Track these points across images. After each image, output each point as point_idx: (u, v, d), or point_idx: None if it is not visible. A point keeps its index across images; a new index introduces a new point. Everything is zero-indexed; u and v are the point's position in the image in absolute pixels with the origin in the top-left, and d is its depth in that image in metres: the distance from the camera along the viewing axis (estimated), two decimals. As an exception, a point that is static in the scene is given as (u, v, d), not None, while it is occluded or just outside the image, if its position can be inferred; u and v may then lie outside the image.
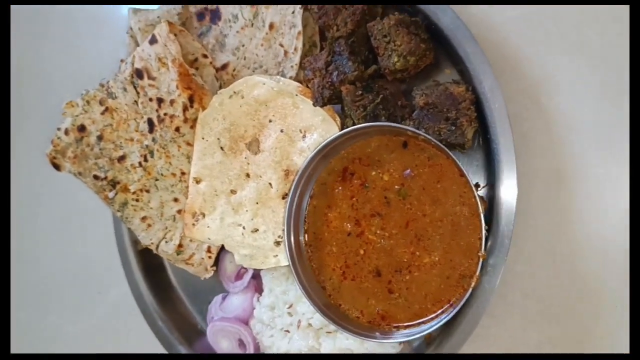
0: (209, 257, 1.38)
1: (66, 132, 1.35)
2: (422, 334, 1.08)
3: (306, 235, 1.23)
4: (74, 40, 1.66)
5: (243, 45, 1.33)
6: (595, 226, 1.12)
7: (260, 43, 1.31)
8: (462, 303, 1.04)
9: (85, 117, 1.34)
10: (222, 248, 1.38)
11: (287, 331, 1.30)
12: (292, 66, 1.30)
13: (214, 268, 1.39)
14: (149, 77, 1.29)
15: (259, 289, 1.39)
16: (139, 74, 1.29)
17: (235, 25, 1.33)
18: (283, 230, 1.25)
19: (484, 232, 1.02)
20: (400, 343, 1.22)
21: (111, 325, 1.66)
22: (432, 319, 1.10)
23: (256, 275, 1.39)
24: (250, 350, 1.37)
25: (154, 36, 1.27)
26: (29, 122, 1.69)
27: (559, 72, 1.11)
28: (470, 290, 1.04)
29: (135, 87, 1.31)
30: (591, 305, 1.14)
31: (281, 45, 1.30)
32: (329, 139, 1.17)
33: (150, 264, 1.50)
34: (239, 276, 1.41)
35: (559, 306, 1.16)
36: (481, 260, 1.03)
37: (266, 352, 1.36)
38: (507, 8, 1.17)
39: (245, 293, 1.39)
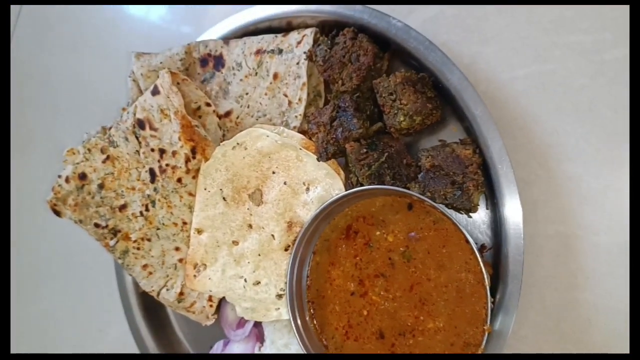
0: (210, 305, 1.37)
1: (67, 180, 1.34)
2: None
3: (309, 293, 1.21)
4: (77, 76, 1.65)
5: (247, 94, 1.31)
6: (599, 294, 1.11)
7: (264, 92, 1.30)
8: (466, 375, 1.03)
9: (87, 165, 1.33)
10: (224, 297, 1.37)
11: (288, 385, 1.29)
12: (296, 116, 1.28)
13: (215, 316, 1.38)
14: (151, 128, 1.27)
15: (260, 338, 1.38)
16: (140, 124, 1.28)
17: (239, 73, 1.31)
18: (285, 283, 1.24)
19: (489, 304, 1.00)
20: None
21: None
22: (436, 391, 1.08)
23: (258, 324, 1.38)
24: (251, 402, 1.35)
25: (156, 87, 1.26)
26: (30, 159, 1.69)
27: (568, 136, 1.09)
28: (475, 362, 1.02)
29: (137, 137, 1.29)
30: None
31: (285, 95, 1.28)
32: (332, 199, 1.16)
33: (151, 306, 1.49)
34: (240, 324, 1.39)
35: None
36: (487, 333, 1.01)
37: (267, 404, 1.34)
38: (516, 66, 1.15)
39: (247, 342, 1.38)
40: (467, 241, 1.05)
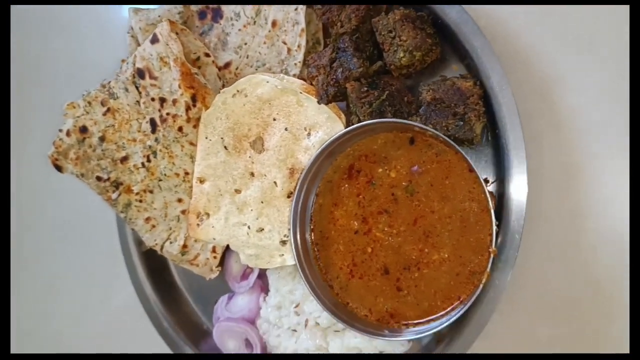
0: (214, 257, 1.37)
1: (68, 134, 1.34)
2: (431, 331, 1.07)
3: (312, 234, 1.21)
4: (75, 40, 1.65)
5: (245, 44, 1.32)
6: (604, 224, 1.11)
7: (263, 41, 1.30)
8: (472, 300, 1.03)
9: (87, 118, 1.33)
10: (227, 248, 1.36)
11: (295, 330, 1.29)
12: (295, 64, 1.29)
13: (219, 268, 1.38)
14: (151, 77, 1.28)
15: (265, 289, 1.38)
16: (140, 73, 1.28)
17: (238, 24, 1.31)
18: (289, 229, 1.24)
19: (494, 227, 1.01)
20: (409, 341, 1.21)
21: (116, 329, 1.65)
22: (442, 316, 1.09)
23: (262, 275, 1.38)
24: (257, 350, 1.36)
25: (155, 35, 1.26)
26: (29, 122, 1.69)
27: (570, 71, 1.10)
28: (481, 287, 1.02)
29: (137, 87, 1.29)
30: (591, 304, 1.14)
31: (284, 43, 1.28)
32: (334, 137, 1.16)
33: (155, 266, 1.49)
34: (244, 276, 1.40)
35: (565, 306, 1.16)
36: (492, 256, 1.02)
37: (273, 352, 1.34)
38: (518, 7, 1.15)
39: (251, 293, 1.38)
40: (470, 170, 1.06)
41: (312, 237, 1.22)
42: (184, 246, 1.37)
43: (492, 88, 1.07)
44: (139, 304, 1.52)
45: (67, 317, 1.67)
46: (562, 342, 1.15)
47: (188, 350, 1.42)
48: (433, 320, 1.09)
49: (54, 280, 1.72)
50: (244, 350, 1.38)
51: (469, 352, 1.12)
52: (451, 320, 1.05)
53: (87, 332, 1.65)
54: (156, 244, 1.38)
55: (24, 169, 1.69)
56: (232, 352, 1.39)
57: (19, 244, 1.70)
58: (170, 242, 1.37)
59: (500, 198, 1.09)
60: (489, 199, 1.02)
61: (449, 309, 1.08)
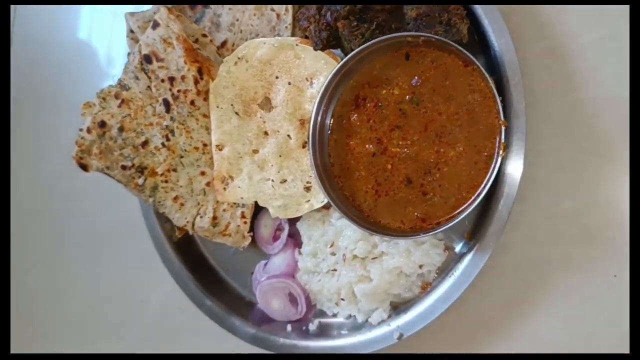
0: (244, 222, 1.42)
1: (88, 131, 1.42)
2: (463, 215, 1.13)
3: (333, 168, 1.28)
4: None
5: (237, 20, 1.42)
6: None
7: (253, 13, 1.40)
8: (495, 173, 1.09)
9: (104, 113, 1.42)
10: (255, 217, 1.43)
11: (334, 270, 1.34)
12: (286, 27, 1.39)
13: (251, 234, 1.43)
14: (157, 60, 1.37)
15: (297, 244, 1.43)
16: (147, 59, 1.38)
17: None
18: (310, 175, 1.31)
19: (499, 105, 1.09)
20: (445, 250, 1.26)
21: (157, 329, 1.67)
22: (470, 204, 1.14)
23: (292, 234, 1.43)
24: (302, 302, 1.39)
25: (155, 21, 1.36)
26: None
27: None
28: (500, 160, 1.09)
29: (146, 73, 1.39)
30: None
31: (273, 10, 1.39)
32: (332, 72, 1.24)
33: (188, 255, 1.55)
34: (275, 237, 1.45)
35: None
36: (503, 128, 1.09)
37: (317, 299, 1.38)
38: None
39: (285, 251, 1.43)
40: (466, 65, 1.15)
41: (333, 171, 1.28)
42: (214, 218, 1.43)
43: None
44: (175, 303, 1.57)
45: (110, 321, 1.70)
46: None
47: (235, 321, 1.45)
48: (463, 210, 1.15)
49: (90, 298, 1.75)
50: (289, 306, 1.41)
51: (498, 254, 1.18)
52: (480, 199, 1.11)
53: (132, 333, 1.67)
54: (187, 222, 1.44)
55: (46, 173, 1.76)
56: (278, 313, 1.42)
57: (44, 249, 1.76)
58: (201, 217, 1.43)
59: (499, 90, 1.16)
60: (489, 84, 1.10)
61: (475, 196, 1.14)
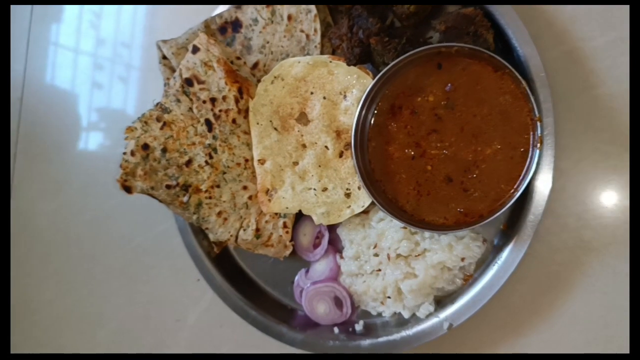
0: (286, 232, 1.49)
1: (132, 154, 1.47)
2: (506, 206, 1.23)
3: (374, 173, 1.37)
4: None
5: (268, 42, 1.52)
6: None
7: (283, 35, 1.50)
8: (535, 163, 1.20)
9: (146, 136, 1.48)
10: (293, 227, 1.50)
11: (379, 270, 1.41)
12: (315, 46, 1.49)
13: (293, 242, 1.50)
14: (199, 82, 1.45)
15: (337, 250, 1.50)
16: (188, 82, 1.45)
17: (257, 27, 1.52)
18: (348, 183, 1.40)
19: (532, 101, 1.20)
20: (484, 242, 1.35)
21: (196, 345, 1.72)
22: (511, 195, 1.25)
23: (331, 241, 1.51)
24: (348, 304, 1.47)
25: (195, 46, 1.45)
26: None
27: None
28: (538, 151, 1.20)
29: (187, 95, 1.46)
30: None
31: (302, 31, 1.49)
32: (370, 86, 1.34)
33: (227, 269, 1.60)
34: (315, 245, 1.52)
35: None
36: (539, 124, 1.21)
37: (362, 300, 1.45)
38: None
39: (327, 257, 1.51)
40: (495, 70, 1.27)
41: (375, 176, 1.37)
42: (257, 230, 1.49)
43: (492, 6, 1.30)
44: (211, 319, 1.63)
45: (148, 342, 1.73)
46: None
47: (282, 328, 1.50)
48: (504, 202, 1.25)
49: (129, 307, 1.79)
50: (334, 310, 1.48)
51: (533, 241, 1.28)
52: (521, 190, 1.22)
53: (172, 349, 1.71)
54: (231, 236, 1.50)
55: (76, 199, 1.81)
56: (324, 317, 1.49)
57: (80, 274, 1.82)
58: (244, 230, 1.50)
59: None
60: (520, 84, 1.22)
61: (515, 186, 1.24)
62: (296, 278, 1.55)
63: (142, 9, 1.79)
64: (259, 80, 1.50)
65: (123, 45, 1.82)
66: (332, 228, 1.50)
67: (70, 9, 1.90)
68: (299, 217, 1.51)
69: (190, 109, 1.47)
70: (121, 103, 1.83)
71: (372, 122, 1.38)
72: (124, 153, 1.48)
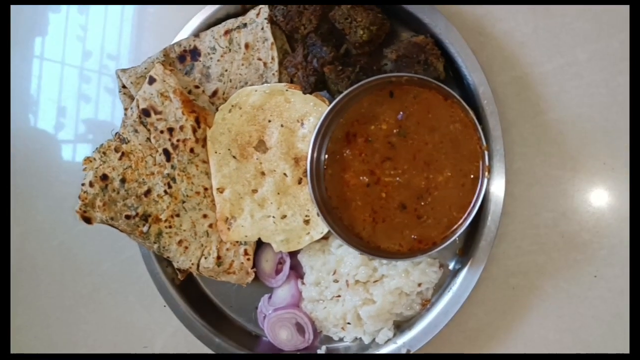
0: (248, 259, 1.50)
1: (91, 185, 1.48)
2: (457, 235, 1.24)
3: (331, 201, 1.38)
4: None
5: (226, 70, 1.52)
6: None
7: (241, 63, 1.51)
8: (483, 193, 1.22)
9: (105, 166, 1.48)
10: (255, 254, 1.51)
11: (339, 296, 1.42)
12: (273, 74, 1.50)
13: (254, 269, 1.50)
14: (156, 113, 1.46)
15: (299, 276, 1.51)
16: (145, 113, 1.46)
17: (215, 56, 1.52)
18: (308, 210, 1.41)
19: (480, 133, 1.22)
20: (440, 267, 1.37)
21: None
22: (462, 223, 1.26)
23: (293, 266, 1.52)
24: (309, 330, 1.47)
25: (151, 77, 1.45)
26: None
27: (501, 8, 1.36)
28: (487, 181, 1.22)
29: (145, 126, 1.47)
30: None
31: (259, 59, 1.50)
32: (324, 114, 1.36)
33: (192, 296, 1.61)
34: (277, 271, 1.53)
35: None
36: (486, 153, 1.22)
37: (323, 326, 1.46)
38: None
39: (289, 282, 1.51)
40: (445, 99, 1.29)
41: (332, 203, 1.38)
42: (218, 257, 1.50)
43: (442, 33, 1.32)
44: (180, 346, 1.63)
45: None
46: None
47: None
48: (456, 229, 1.27)
49: (95, 334, 1.79)
50: (296, 336, 1.49)
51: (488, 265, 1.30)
52: (471, 218, 1.23)
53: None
54: (192, 264, 1.51)
55: (39, 226, 1.81)
56: (286, 342, 1.50)
57: (42, 302, 1.81)
58: (205, 258, 1.50)
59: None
60: (469, 114, 1.23)
61: (465, 215, 1.26)
62: (259, 304, 1.55)
63: (128, 20, 1.79)
64: (217, 108, 1.51)
65: (109, 57, 1.80)
66: (293, 254, 1.50)
67: (55, 22, 1.88)
68: (261, 243, 1.51)
69: (149, 139, 1.47)
70: (108, 115, 1.81)
71: (327, 149, 1.39)
72: (83, 184, 1.48)
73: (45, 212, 1.85)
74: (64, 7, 1.84)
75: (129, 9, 1.77)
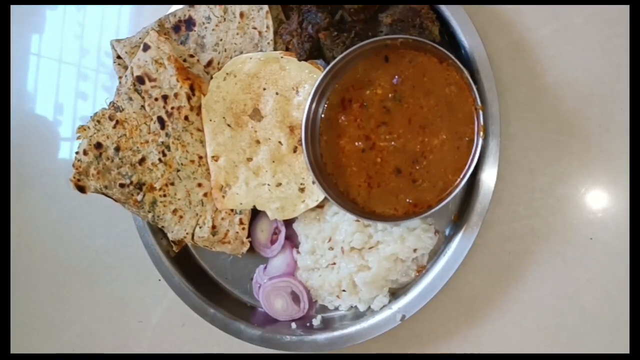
0: (243, 228, 1.49)
1: (85, 153, 1.47)
2: (451, 197, 1.24)
3: (327, 167, 1.37)
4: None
5: (221, 40, 1.51)
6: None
7: (236, 32, 1.50)
8: (477, 153, 1.21)
9: (99, 135, 1.47)
10: (251, 223, 1.50)
11: (334, 264, 1.42)
12: (268, 43, 1.49)
13: (250, 239, 1.50)
14: (150, 80, 1.45)
15: (294, 245, 1.51)
16: (140, 80, 1.45)
17: (210, 25, 1.52)
18: (303, 177, 1.40)
19: (475, 90, 1.21)
20: (436, 233, 1.36)
21: (159, 345, 1.71)
22: (457, 185, 1.25)
23: (288, 236, 1.51)
24: (305, 299, 1.47)
25: (145, 44, 1.44)
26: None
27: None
28: (481, 140, 1.21)
29: (139, 93, 1.46)
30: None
31: (254, 28, 1.49)
32: (319, 79, 1.35)
33: (187, 268, 1.60)
34: (272, 240, 1.52)
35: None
36: (481, 112, 1.22)
37: (318, 295, 1.46)
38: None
39: (284, 252, 1.50)
40: (440, 62, 1.28)
41: (327, 170, 1.37)
42: (213, 227, 1.49)
43: (437, -1, 1.31)
44: (175, 318, 1.62)
45: (110, 342, 1.72)
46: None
47: (240, 325, 1.50)
48: (450, 192, 1.26)
49: (91, 308, 1.78)
50: (291, 305, 1.48)
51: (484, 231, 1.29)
52: (466, 179, 1.22)
53: (135, 350, 1.70)
54: (187, 234, 1.50)
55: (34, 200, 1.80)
56: (282, 313, 1.49)
57: (39, 275, 1.80)
58: (200, 227, 1.49)
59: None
60: (464, 75, 1.23)
61: (460, 177, 1.25)
62: (254, 275, 1.55)
63: (125, 18, 1.79)
64: (212, 77, 1.50)
65: (107, 54, 1.79)
66: (289, 223, 1.50)
67: (52, 20, 1.88)
68: (256, 213, 1.50)
69: (143, 107, 1.47)
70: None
71: (322, 116, 1.39)
72: (77, 152, 1.48)
73: (40, 203, 1.85)
74: (61, 4, 1.84)
75: (127, 6, 1.78)
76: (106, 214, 1.73)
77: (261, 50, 1.49)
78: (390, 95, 1.33)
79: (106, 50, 1.78)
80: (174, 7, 1.56)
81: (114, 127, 1.47)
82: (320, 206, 1.43)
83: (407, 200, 1.30)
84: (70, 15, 1.85)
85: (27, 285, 1.83)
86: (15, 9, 1.85)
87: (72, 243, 1.80)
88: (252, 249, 1.53)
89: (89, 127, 1.48)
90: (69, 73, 1.85)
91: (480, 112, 1.21)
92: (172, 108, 1.45)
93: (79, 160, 1.47)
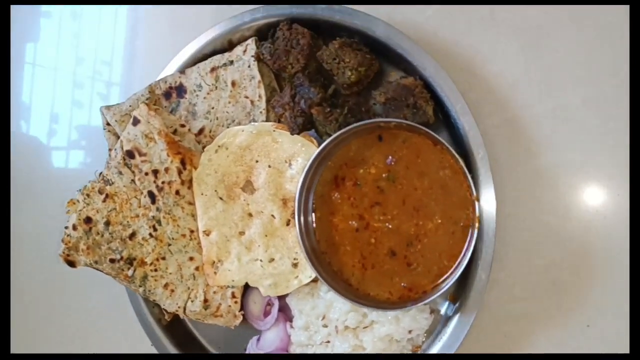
0: (235, 302, 1.47)
1: (74, 228, 1.44)
2: (448, 286, 1.22)
3: (319, 245, 1.35)
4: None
5: (213, 108, 1.49)
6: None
7: (228, 101, 1.48)
8: (472, 245, 1.19)
9: (89, 209, 1.45)
10: (244, 295, 1.48)
11: (328, 342, 1.39)
12: (260, 112, 1.47)
13: (242, 312, 1.47)
14: (140, 154, 1.42)
15: (288, 319, 1.48)
16: (130, 154, 1.43)
17: (201, 93, 1.49)
18: (296, 252, 1.38)
19: (470, 181, 1.19)
20: (431, 313, 1.34)
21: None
22: (453, 272, 1.23)
23: (282, 308, 1.49)
24: (299, 375, 1.44)
25: (135, 118, 1.42)
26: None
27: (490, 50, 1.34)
28: (476, 232, 1.19)
29: (129, 167, 1.43)
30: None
31: (246, 97, 1.47)
32: (313, 156, 1.33)
33: (179, 336, 1.57)
34: (266, 313, 1.50)
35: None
36: (476, 203, 1.20)
37: (314, 371, 1.43)
38: (426, 8, 1.39)
39: (277, 325, 1.48)
40: (435, 144, 1.26)
41: (320, 248, 1.35)
42: (205, 301, 1.47)
43: (431, 76, 1.29)
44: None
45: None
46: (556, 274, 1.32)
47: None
48: (446, 279, 1.24)
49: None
50: (286, 381, 1.46)
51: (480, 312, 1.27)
52: (461, 269, 1.20)
53: None
54: (179, 308, 1.47)
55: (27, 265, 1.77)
56: (275, 387, 1.47)
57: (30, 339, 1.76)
58: (192, 301, 1.47)
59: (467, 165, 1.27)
60: (458, 161, 1.21)
61: (456, 264, 1.23)
62: (248, 346, 1.52)
63: (122, 25, 1.75)
64: (204, 146, 1.48)
65: (103, 63, 1.76)
66: (282, 296, 1.47)
67: (47, 28, 1.85)
68: (249, 285, 1.48)
69: (133, 181, 1.44)
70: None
71: (316, 192, 1.36)
72: (66, 227, 1.45)
73: (37, 222, 1.80)
74: (56, 12, 1.80)
75: (122, 12, 1.74)
76: (99, 278, 1.69)
77: (253, 119, 1.47)
78: (384, 175, 1.31)
79: (102, 58, 1.76)
80: (164, 73, 1.53)
81: (104, 200, 1.45)
82: (314, 281, 1.41)
83: (402, 284, 1.28)
84: (66, 23, 1.82)
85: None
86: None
87: (65, 302, 1.76)
88: (245, 320, 1.50)
89: (78, 201, 1.45)
90: (64, 82, 1.82)
91: (476, 203, 1.19)
92: (163, 182, 1.43)
93: (68, 236, 1.44)
